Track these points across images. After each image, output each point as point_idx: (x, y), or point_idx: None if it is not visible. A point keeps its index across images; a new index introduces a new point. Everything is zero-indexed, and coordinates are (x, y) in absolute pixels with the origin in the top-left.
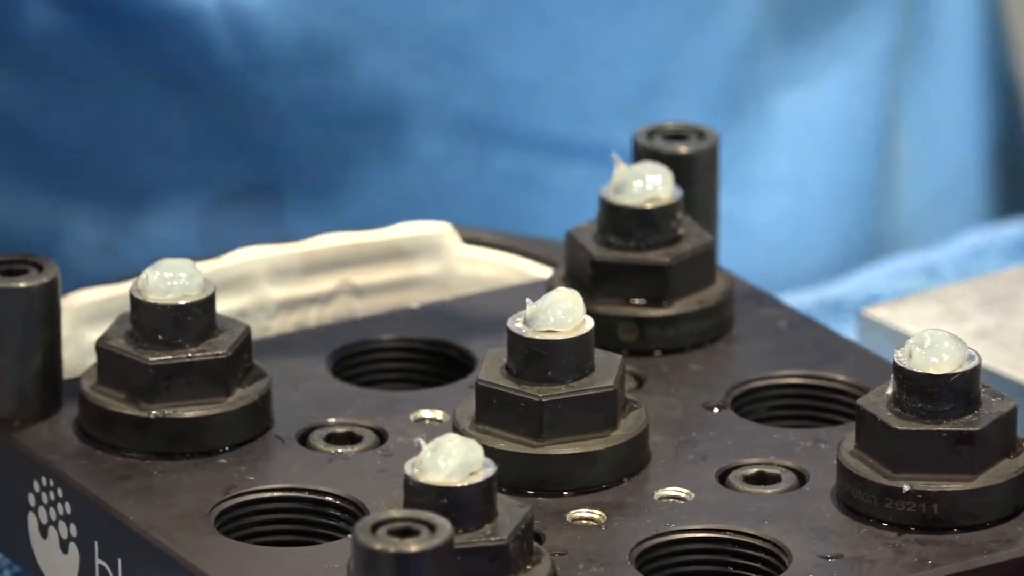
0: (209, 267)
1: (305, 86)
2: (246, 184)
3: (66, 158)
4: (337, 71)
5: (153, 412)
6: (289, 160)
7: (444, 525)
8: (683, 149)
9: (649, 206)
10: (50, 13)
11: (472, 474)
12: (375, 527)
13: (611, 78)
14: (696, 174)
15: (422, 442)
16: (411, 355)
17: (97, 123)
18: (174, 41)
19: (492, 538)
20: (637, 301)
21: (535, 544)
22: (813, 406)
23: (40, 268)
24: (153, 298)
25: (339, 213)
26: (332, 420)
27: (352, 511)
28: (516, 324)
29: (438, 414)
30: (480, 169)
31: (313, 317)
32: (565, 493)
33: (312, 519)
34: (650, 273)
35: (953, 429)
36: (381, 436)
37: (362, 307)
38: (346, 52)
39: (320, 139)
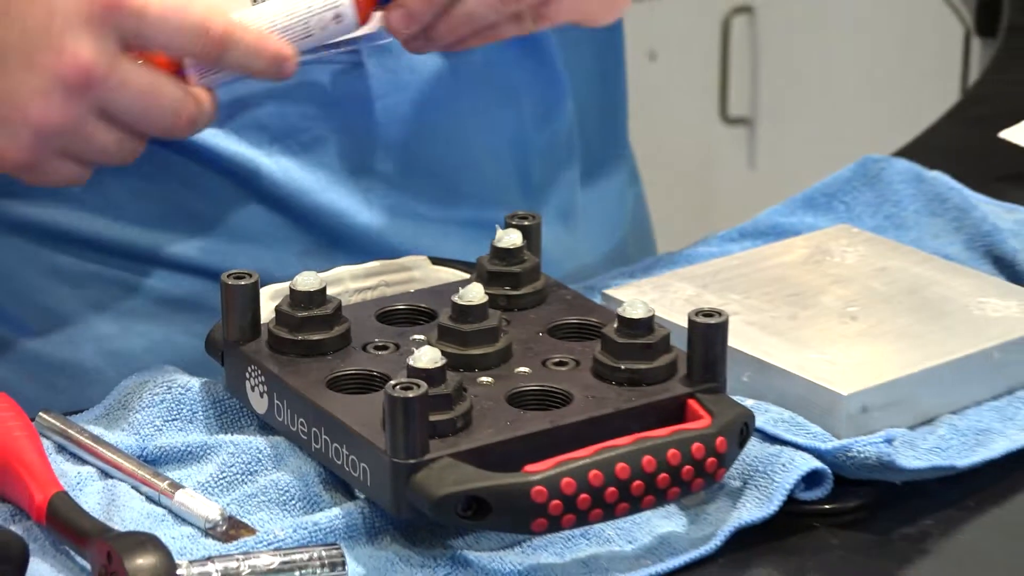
0: (323, 275)
1: None
2: None
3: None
4: None
5: (301, 336)
6: None
7: (423, 384)
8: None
9: (511, 247)
10: None
11: (436, 363)
12: (394, 386)
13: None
14: (532, 236)
15: (414, 349)
16: (410, 311)
17: None
18: None
19: (444, 390)
20: (507, 289)
21: (463, 392)
22: (583, 334)
23: (251, 275)
24: (299, 288)
25: None
26: (377, 340)
27: (386, 378)
28: (454, 297)
29: (422, 338)
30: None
31: (368, 296)
32: (477, 370)
33: (369, 383)
34: (510, 276)
35: (645, 342)
36: (398, 347)
37: (389, 291)
38: None
39: None
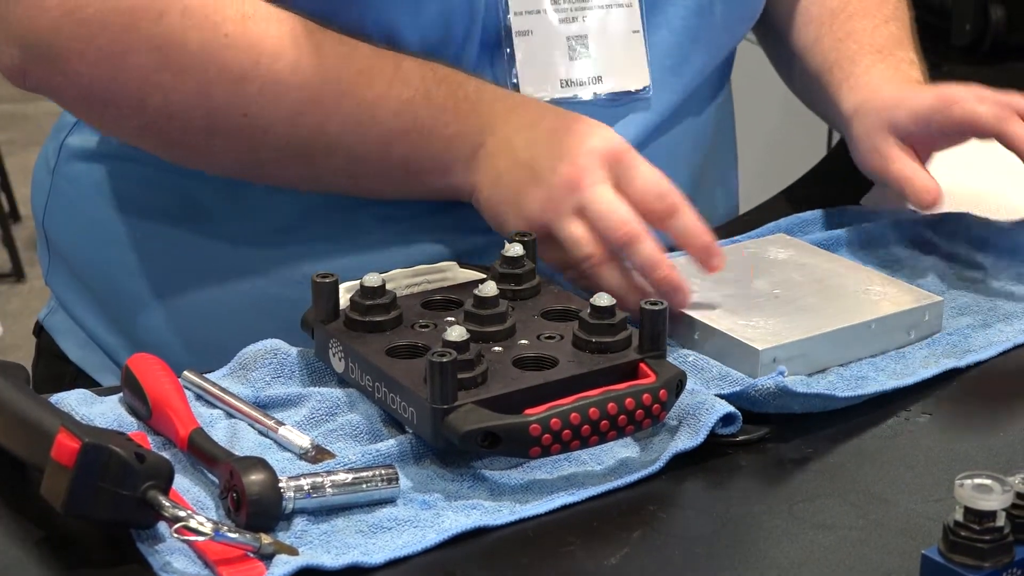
0: (383, 275)
1: None
2: None
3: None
4: None
5: (367, 318)
6: None
7: (453, 352)
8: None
9: (515, 256)
10: None
11: (462, 337)
12: (433, 353)
13: None
14: (529, 248)
15: (447, 327)
16: (445, 300)
17: None
18: None
19: (468, 356)
20: (512, 285)
21: (481, 357)
22: (566, 316)
23: (333, 276)
24: (365, 284)
25: None
26: (421, 321)
27: (428, 348)
28: (475, 291)
29: (453, 319)
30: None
31: (415, 290)
32: (491, 342)
33: (415, 351)
34: (514, 276)
35: (609, 322)
36: (436, 325)
37: (430, 287)
38: None
39: None
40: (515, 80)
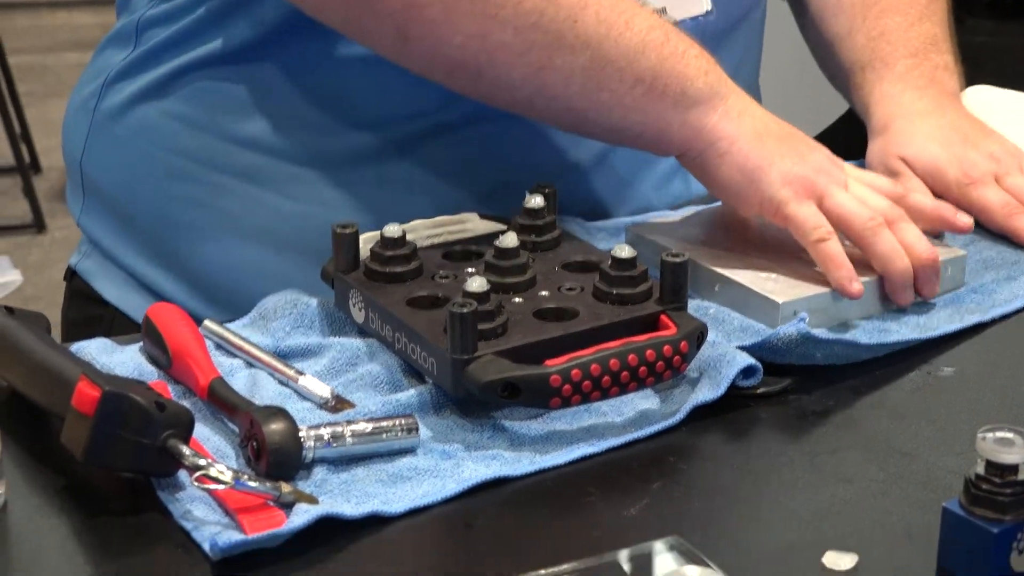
0: (404, 225)
1: None
2: None
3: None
4: None
5: (388, 268)
6: None
7: (474, 303)
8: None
9: (536, 207)
10: None
11: (483, 288)
12: (453, 304)
13: None
14: (550, 200)
15: (468, 278)
16: (465, 252)
17: None
18: None
19: (488, 307)
20: (533, 237)
21: (502, 308)
22: (587, 268)
23: (353, 226)
24: (385, 235)
25: None
26: (441, 272)
27: (448, 299)
28: (495, 242)
29: (473, 270)
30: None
31: (435, 241)
32: (512, 293)
33: (436, 302)
34: (535, 228)
35: (630, 274)
36: (456, 276)
37: (451, 237)
38: None
39: None
40: None
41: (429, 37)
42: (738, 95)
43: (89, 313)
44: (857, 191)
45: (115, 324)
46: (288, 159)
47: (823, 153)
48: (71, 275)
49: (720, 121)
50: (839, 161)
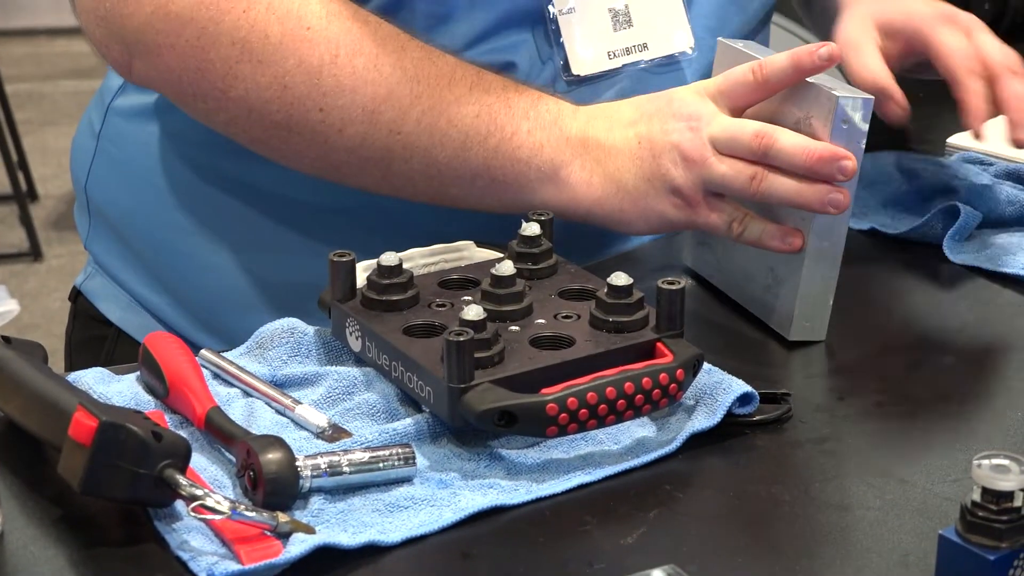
0: (400, 254)
1: None
2: None
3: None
4: None
5: (384, 297)
6: None
7: (470, 331)
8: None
9: (532, 235)
10: None
11: (479, 316)
12: (450, 332)
13: None
14: (546, 227)
15: (464, 307)
16: (462, 280)
17: None
18: None
19: (485, 335)
20: (529, 265)
21: (498, 337)
22: (583, 296)
23: (350, 255)
24: (382, 263)
25: None
26: (438, 300)
27: (445, 327)
28: (492, 270)
29: (470, 298)
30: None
31: (432, 269)
32: (508, 321)
33: (432, 330)
34: (531, 255)
35: (626, 302)
36: (452, 305)
37: (447, 266)
38: None
39: None
40: (564, 56)
41: (291, 159)
42: (583, 144)
43: (93, 333)
44: (726, 141)
45: (118, 345)
46: (287, 188)
47: (671, 110)
48: (76, 295)
49: (577, 189)
50: (681, 95)
